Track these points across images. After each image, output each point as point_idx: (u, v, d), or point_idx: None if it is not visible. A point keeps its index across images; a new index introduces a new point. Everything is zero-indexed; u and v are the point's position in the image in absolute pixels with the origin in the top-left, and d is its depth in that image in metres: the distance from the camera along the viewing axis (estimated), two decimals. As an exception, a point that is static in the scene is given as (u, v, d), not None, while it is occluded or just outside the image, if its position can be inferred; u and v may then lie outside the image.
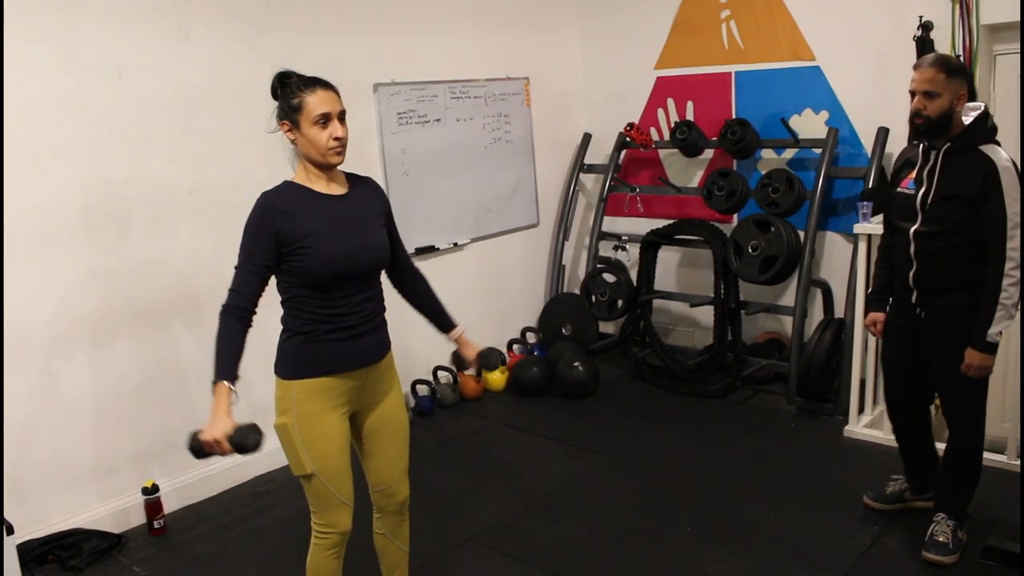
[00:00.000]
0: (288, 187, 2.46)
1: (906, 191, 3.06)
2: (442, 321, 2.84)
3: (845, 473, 3.84)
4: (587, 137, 5.99)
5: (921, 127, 2.92)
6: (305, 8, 4.32)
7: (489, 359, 3.06)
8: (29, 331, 3.48)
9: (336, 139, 2.41)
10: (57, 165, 3.51)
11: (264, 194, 2.43)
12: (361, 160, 4.68)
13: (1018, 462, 3.75)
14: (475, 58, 5.28)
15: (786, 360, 4.87)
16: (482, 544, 3.51)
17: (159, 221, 3.86)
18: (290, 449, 2.50)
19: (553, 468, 4.24)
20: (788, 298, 5.12)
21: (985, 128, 2.94)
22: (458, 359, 2.87)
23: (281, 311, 2.53)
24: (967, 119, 2.92)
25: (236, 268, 2.41)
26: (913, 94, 2.92)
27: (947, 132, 2.91)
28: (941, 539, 3.16)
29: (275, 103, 2.48)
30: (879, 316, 3.36)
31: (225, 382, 2.32)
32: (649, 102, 5.72)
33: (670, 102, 5.62)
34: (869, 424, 4.28)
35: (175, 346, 3.96)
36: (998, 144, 2.92)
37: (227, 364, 2.34)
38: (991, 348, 2.90)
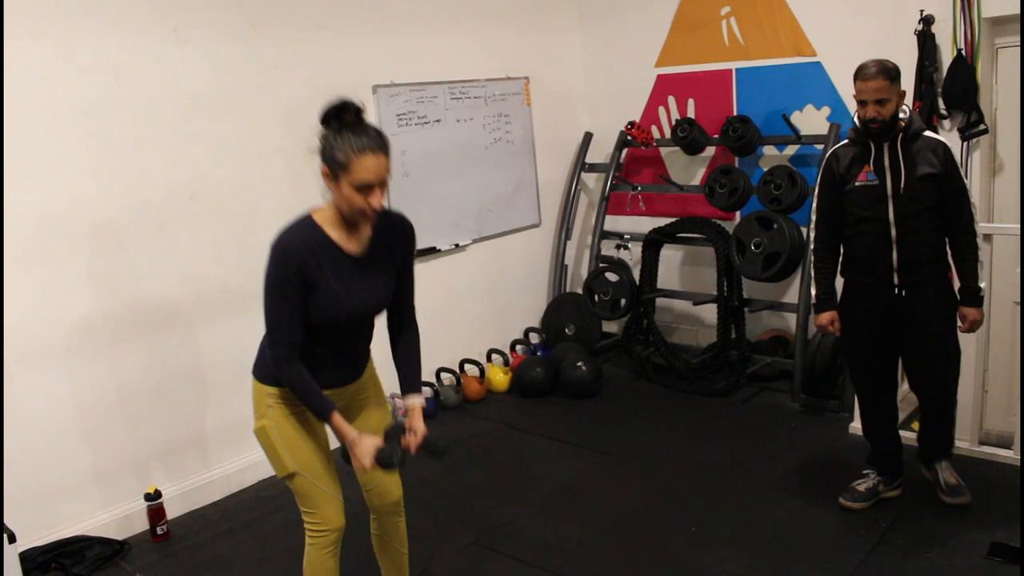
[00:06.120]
0: (310, 232, 2.34)
1: (867, 183, 3.28)
2: (407, 380, 2.63)
3: (850, 470, 3.81)
4: (588, 136, 5.98)
5: (876, 130, 3.21)
6: (303, 10, 4.31)
7: (434, 445, 2.55)
8: (30, 337, 3.47)
9: (372, 208, 2.30)
10: (56, 171, 3.50)
11: (284, 239, 2.32)
12: (361, 162, 4.66)
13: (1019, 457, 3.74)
14: (474, 58, 5.27)
15: (790, 357, 4.85)
16: (486, 546, 3.50)
17: (159, 226, 3.84)
18: (271, 451, 2.53)
19: (557, 468, 4.22)
20: (792, 295, 5.10)
21: (921, 119, 3.44)
22: (393, 431, 2.52)
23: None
24: (901, 114, 3.26)
25: (270, 323, 2.36)
26: (863, 102, 3.19)
27: (894, 128, 3.23)
28: (954, 481, 3.52)
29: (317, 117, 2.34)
30: (835, 314, 3.51)
31: (334, 412, 2.40)
32: (650, 100, 5.70)
33: (671, 100, 5.61)
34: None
35: (177, 351, 3.95)
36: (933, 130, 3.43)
37: (323, 399, 2.41)
38: (982, 300, 3.32)
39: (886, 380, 3.55)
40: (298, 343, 2.36)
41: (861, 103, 3.20)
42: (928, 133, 3.28)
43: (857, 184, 3.30)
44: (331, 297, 2.35)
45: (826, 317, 3.51)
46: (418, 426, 2.54)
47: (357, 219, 2.34)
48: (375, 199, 2.27)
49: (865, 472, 3.63)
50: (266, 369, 2.48)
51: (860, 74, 3.19)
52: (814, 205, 3.51)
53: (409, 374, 2.64)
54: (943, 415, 3.52)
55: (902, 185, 3.21)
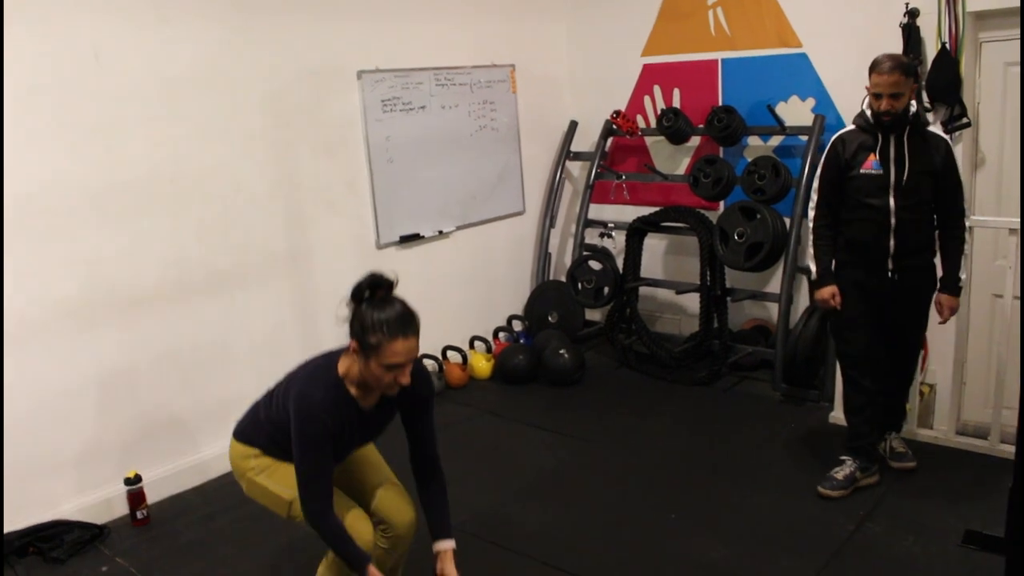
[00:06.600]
0: (335, 392, 2.41)
1: (872, 172, 3.40)
2: (436, 525, 2.66)
3: (830, 459, 3.84)
4: (573, 124, 5.97)
5: (888, 123, 3.33)
6: (288, -7, 4.28)
7: None
8: (8, 319, 3.43)
9: (399, 384, 2.36)
10: (34, 152, 3.45)
11: (314, 402, 2.37)
12: (345, 148, 4.65)
13: (1000, 446, 3.78)
14: (460, 45, 5.24)
15: (772, 347, 4.88)
16: (467, 532, 3.50)
17: (140, 207, 3.81)
18: (266, 495, 2.56)
19: (539, 456, 4.23)
20: (774, 285, 5.13)
21: (924, 114, 3.54)
22: None
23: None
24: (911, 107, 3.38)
25: (307, 477, 2.40)
26: (878, 95, 3.29)
27: (904, 121, 3.34)
28: (901, 449, 3.80)
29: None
30: (836, 288, 3.59)
31: (370, 565, 2.44)
32: (636, 89, 5.69)
33: (656, 89, 5.60)
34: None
35: (157, 334, 3.92)
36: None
37: (359, 552, 2.44)
38: (961, 290, 3.51)
39: (872, 359, 3.62)
40: (331, 493, 2.42)
41: (876, 95, 3.30)
42: (932, 128, 3.43)
43: (862, 171, 3.42)
44: (338, 444, 2.45)
45: (827, 291, 3.59)
46: (450, 571, 2.59)
47: (380, 391, 2.41)
48: (403, 378, 2.33)
49: (843, 459, 3.68)
50: (259, 439, 2.56)
51: (876, 68, 3.28)
52: (816, 185, 3.61)
53: (438, 519, 2.66)
54: (906, 382, 3.79)
55: (905, 177, 3.35)
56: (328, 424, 2.36)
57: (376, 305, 2.29)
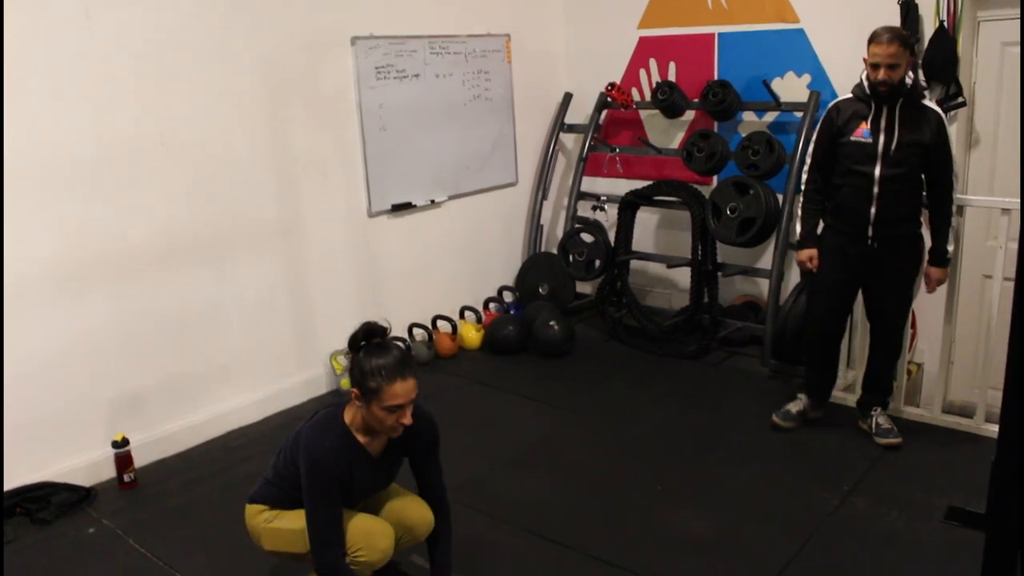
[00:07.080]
0: (343, 441, 2.48)
1: (862, 140, 3.51)
2: (437, 568, 2.73)
3: (815, 434, 3.88)
4: (568, 96, 5.93)
5: (884, 93, 3.42)
6: (282, -45, 4.21)
7: None
8: (-4, 281, 3.41)
9: (402, 424, 2.43)
10: (22, 113, 3.40)
11: (323, 453, 2.44)
12: (338, 115, 4.61)
13: (985, 426, 3.81)
14: (455, 13, 5.19)
15: (761, 323, 4.89)
16: (454, 500, 3.50)
17: (129, 171, 3.77)
18: (283, 535, 2.59)
19: (527, 426, 4.25)
20: (765, 261, 5.13)
21: (921, 86, 3.65)
22: None
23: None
24: (907, 79, 3.47)
25: (319, 528, 2.44)
26: (876, 65, 3.37)
27: (900, 92, 3.43)
28: (887, 425, 3.83)
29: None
30: (815, 251, 3.77)
31: None
32: (631, 62, 5.66)
33: (652, 62, 5.57)
34: (842, 388, 4.31)
35: (147, 298, 3.90)
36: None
37: None
38: (949, 262, 3.64)
39: (838, 320, 3.86)
40: (342, 542, 2.46)
41: (873, 66, 3.39)
42: (927, 102, 3.51)
43: (852, 139, 3.53)
44: (349, 491, 2.51)
45: (805, 254, 3.79)
46: None
47: (386, 434, 2.49)
48: (405, 418, 2.41)
49: (798, 396, 4.05)
50: (261, 494, 2.63)
51: (875, 39, 3.37)
52: (810, 150, 3.76)
53: (439, 564, 2.73)
54: (889, 354, 3.82)
55: (892, 147, 3.45)
56: (337, 472, 2.43)
57: (373, 352, 2.39)
